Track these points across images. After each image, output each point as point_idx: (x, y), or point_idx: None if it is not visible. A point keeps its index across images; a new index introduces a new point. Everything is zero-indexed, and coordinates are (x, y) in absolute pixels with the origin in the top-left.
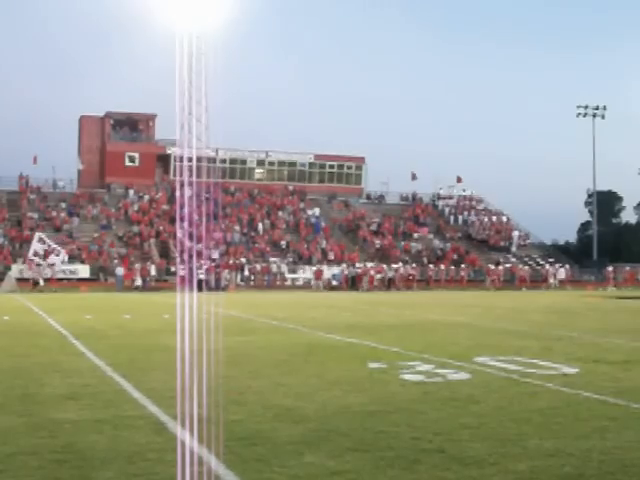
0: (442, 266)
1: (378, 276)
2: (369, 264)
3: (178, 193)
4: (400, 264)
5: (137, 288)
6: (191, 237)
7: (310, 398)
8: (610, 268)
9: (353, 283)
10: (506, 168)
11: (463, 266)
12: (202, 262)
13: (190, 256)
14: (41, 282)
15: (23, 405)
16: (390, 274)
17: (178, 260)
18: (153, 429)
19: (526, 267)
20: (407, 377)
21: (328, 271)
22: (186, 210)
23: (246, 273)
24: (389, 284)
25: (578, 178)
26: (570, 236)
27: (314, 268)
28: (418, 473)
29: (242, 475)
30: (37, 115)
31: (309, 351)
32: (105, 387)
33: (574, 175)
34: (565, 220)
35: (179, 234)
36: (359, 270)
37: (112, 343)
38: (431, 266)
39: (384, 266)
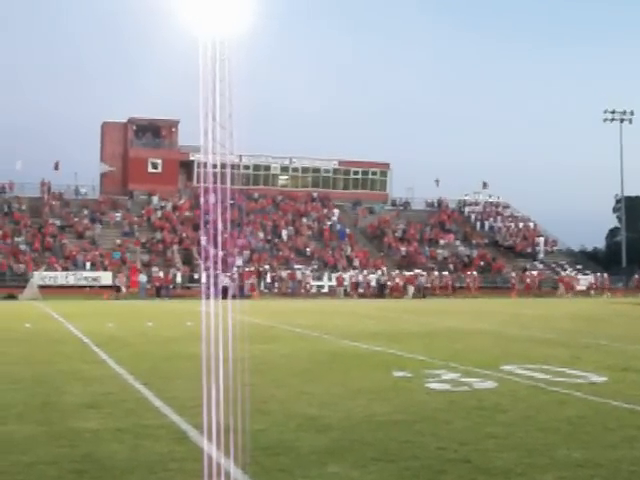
0: (472, 272)
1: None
2: (406, 273)
3: (202, 199)
4: (436, 273)
5: (159, 295)
6: (215, 244)
7: (334, 407)
8: (637, 275)
9: (381, 290)
10: (533, 173)
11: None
12: (226, 269)
13: (214, 263)
14: (123, 289)
15: (43, 414)
16: (422, 281)
17: (202, 267)
18: (174, 438)
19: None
20: (432, 386)
21: (356, 278)
22: (210, 217)
23: (269, 280)
24: (422, 291)
25: (606, 184)
26: (598, 242)
27: (335, 275)
28: None
29: None
30: (59, 122)
31: (333, 359)
32: (126, 395)
33: (602, 180)
34: (593, 226)
35: (203, 241)
36: (386, 277)
37: (134, 351)
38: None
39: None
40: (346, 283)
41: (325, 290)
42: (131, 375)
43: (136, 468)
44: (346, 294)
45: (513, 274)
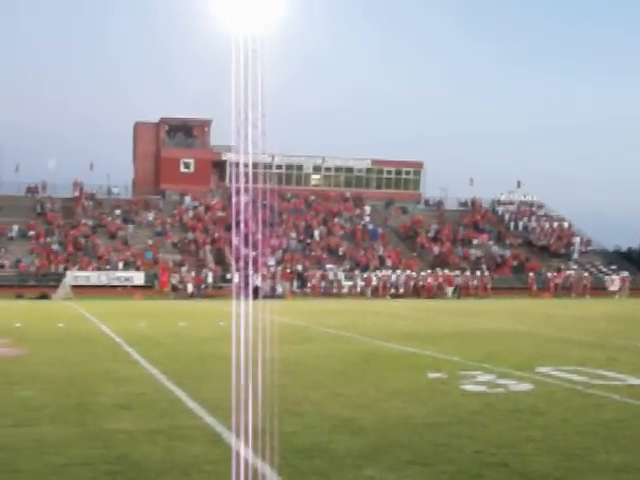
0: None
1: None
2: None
3: (234, 199)
4: (478, 272)
5: (192, 295)
6: (247, 244)
7: (369, 409)
8: None
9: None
10: (567, 173)
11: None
12: (258, 269)
13: (246, 263)
14: (190, 288)
15: (77, 415)
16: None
17: (233, 267)
18: (209, 440)
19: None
20: (468, 388)
21: (388, 277)
22: (242, 217)
23: (302, 280)
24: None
25: None
26: (633, 242)
27: (364, 275)
28: None
29: None
30: (92, 123)
31: (367, 360)
32: (160, 396)
33: (637, 180)
34: (628, 226)
35: (234, 241)
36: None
37: (166, 351)
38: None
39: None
40: (374, 283)
41: (358, 290)
42: (164, 375)
43: (170, 470)
44: (374, 294)
45: (548, 274)
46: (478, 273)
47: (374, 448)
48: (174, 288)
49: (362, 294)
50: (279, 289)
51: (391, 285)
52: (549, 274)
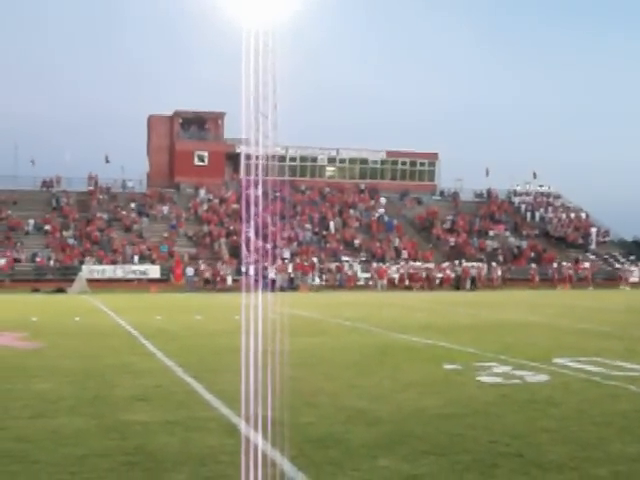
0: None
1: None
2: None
3: (244, 192)
4: (494, 264)
5: (207, 288)
6: (259, 236)
7: (384, 400)
8: None
9: (457, 282)
10: (584, 163)
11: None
12: (273, 262)
13: (259, 256)
14: (229, 281)
15: (95, 407)
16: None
17: (244, 259)
18: (225, 431)
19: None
20: (484, 379)
21: (404, 269)
22: (252, 209)
23: (318, 273)
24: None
25: None
26: None
27: (375, 265)
28: (496, 478)
29: (315, 478)
30: (106, 116)
31: (383, 352)
32: (176, 388)
33: None
34: None
35: (244, 233)
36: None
37: (183, 344)
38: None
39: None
40: (391, 275)
41: (371, 282)
42: (180, 368)
43: (187, 460)
44: (388, 286)
45: (565, 265)
46: (494, 264)
47: (389, 439)
48: (206, 281)
49: (374, 287)
50: (296, 282)
51: (406, 277)
52: (564, 264)
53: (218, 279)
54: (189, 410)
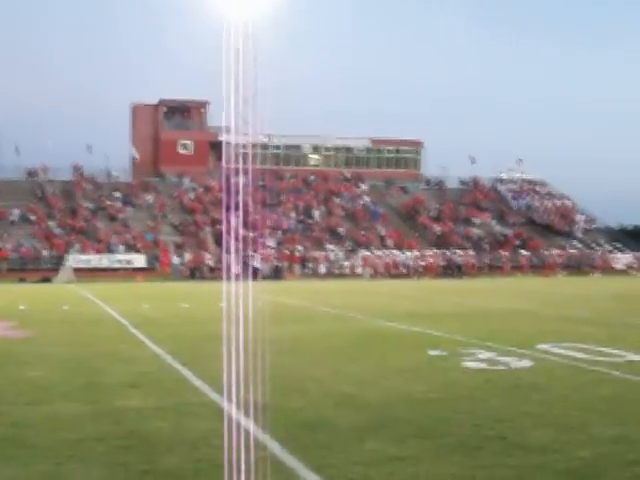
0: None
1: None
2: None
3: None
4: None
5: (193, 277)
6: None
7: (371, 386)
8: None
9: (459, 270)
10: (569, 151)
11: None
12: (256, 251)
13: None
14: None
15: (87, 393)
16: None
17: (225, 249)
18: (215, 416)
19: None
20: (469, 365)
21: (388, 258)
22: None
23: (302, 261)
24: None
25: None
26: (638, 220)
27: (361, 254)
28: (480, 459)
29: (305, 460)
30: (91, 105)
31: (369, 339)
32: (166, 375)
33: None
34: (632, 204)
35: (225, 223)
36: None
37: (171, 332)
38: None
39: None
40: (376, 263)
41: (358, 271)
42: (169, 355)
43: (180, 444)
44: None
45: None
46: (471, 252)
47: (376, 423)
48: (192, 270)
49: (359, 275)
50: (280, 270)
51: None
52: (546, 252)
53: (203, 267)
54: (180, 396)
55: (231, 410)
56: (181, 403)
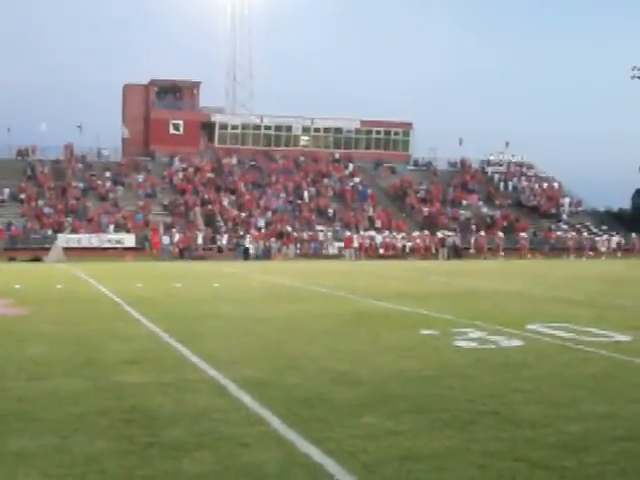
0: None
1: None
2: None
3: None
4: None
5: (182, 257)
6: (235, 206)
7: (365, 363)
8: None
9: (456, 252)
10: (557, 133)
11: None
12: (247, 231)
13: (235, 225)
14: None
15: (88, 369)
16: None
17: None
18: (215, 392)
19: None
20: (460, 344)
21: (373, 239)
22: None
23: (292, 241)
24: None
25: (632, 143)
26: (624, 203)
27: (346, 235)
28: (473, 433)
29: (304, 433)
30: (82, 83)
31: (361, 318)
32: (164, 352)
33: (628, 140)
34: (619, 186)
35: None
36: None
37: (165, 311)
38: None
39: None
40: (356, 245)
41: (344, 252)
42: (166, 333)
43: (182, 418)
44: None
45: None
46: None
47: (371, 398)
48: (182, 250)
49: (345, 256)
50: (270, 250)
51: (377, 246)
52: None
53: (193, 248)
54: (179, 373)
55: (230, 386)
56: (181, 379)
